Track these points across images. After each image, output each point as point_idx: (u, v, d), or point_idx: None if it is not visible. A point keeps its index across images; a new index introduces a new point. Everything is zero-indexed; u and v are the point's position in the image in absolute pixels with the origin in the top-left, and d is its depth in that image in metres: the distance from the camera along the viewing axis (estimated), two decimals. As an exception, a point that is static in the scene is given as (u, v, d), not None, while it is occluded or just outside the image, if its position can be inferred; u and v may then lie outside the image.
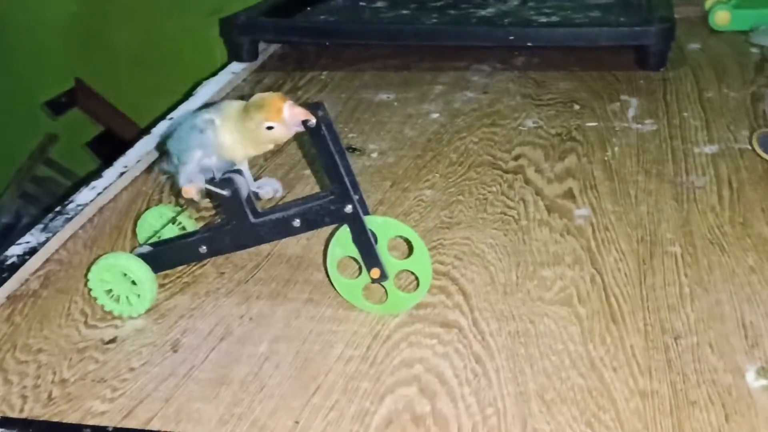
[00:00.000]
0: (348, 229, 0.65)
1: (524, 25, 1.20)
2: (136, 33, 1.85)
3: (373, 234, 0.65)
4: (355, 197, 0.64)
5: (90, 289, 0.69)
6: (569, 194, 0.84)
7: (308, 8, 1.40)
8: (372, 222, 0.65)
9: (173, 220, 0.76)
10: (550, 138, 0.97)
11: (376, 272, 0.65)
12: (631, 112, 1.02)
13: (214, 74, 1.25)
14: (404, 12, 1.35)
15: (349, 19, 1.34)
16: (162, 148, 0.72)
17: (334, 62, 1.29)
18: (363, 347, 0.63)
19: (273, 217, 0.66)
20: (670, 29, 1.12)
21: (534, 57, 1.25)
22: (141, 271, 0.68)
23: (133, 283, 0.68)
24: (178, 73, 1.65)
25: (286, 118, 0.62)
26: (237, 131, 0.64)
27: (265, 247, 0.78)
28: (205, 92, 1.17)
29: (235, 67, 1.27)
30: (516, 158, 0.93)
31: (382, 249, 0.66)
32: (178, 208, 0.77)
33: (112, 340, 0.66)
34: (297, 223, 0.66)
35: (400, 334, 0.64)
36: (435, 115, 1.06)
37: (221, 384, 0.60)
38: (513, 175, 0.89)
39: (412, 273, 0.67)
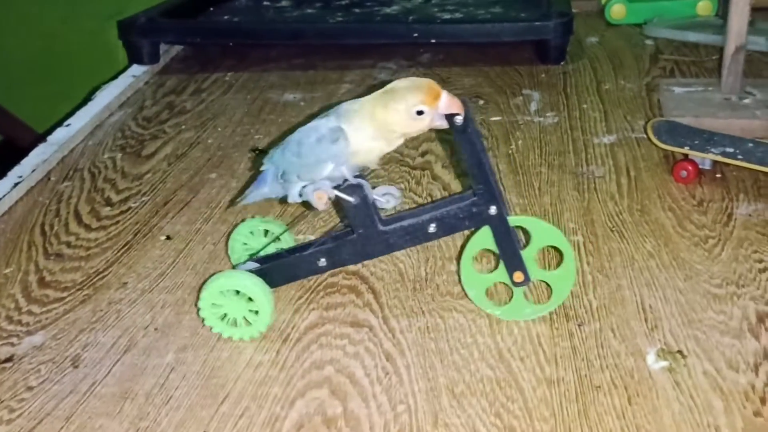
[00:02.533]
0: (468, 264, 0.62)
1: (428, 22, 1.21)
2: (32, 39, 1.78)
3: (515, 234, 0.62)
4: (500, 198, 0.61)
5: (201, 315, 0.63)
6: (475, 188, 0.85)
7: (211, 9, 1.38)
8: (526, 223, 0.62)
9: (277, 238, 0.70)
10: (455, 133, 0.98)
11: (519, 276, 0.62)
12: (533, 106, 1.04)
13: (114, 78, 1.21)
14: (309, 11, 1.34)
15: (253, 19, 1.32)
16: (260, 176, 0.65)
17: (239, 63, 1.27)
18: (273, 351, 0.62)
19: (405, 223, 0.62)
20: (568, 23, 1.15)
21: (439, 54, 1.26)
22: (259, 289, 0.62)
23: (250, 301, 0.62)
24: (79, 79, 1.59)
25: (441, 106, 0.58)
26: (371, 126, 0.58)
27: (170, 253, 0.76)
28: (104, 96, 1.13)
29: (136, 70, 1.23)
30: (423, 154, 0.93)
31: (529, 253, 0.62)
32: (271, 220, 0.71)
33: (9, 359, 0.63)
34: (433, 228, 0.62)
35: (310, 336, 0.64)
36: (342, 114, 1.06)
37: (125, 398, 0.58)
38: (420, 171, 0.89)
39: (548, 284, 0.64)
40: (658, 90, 1.04)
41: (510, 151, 0.92)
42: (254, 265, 0.65)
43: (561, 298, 0.63)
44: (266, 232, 0.71)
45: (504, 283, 0.63)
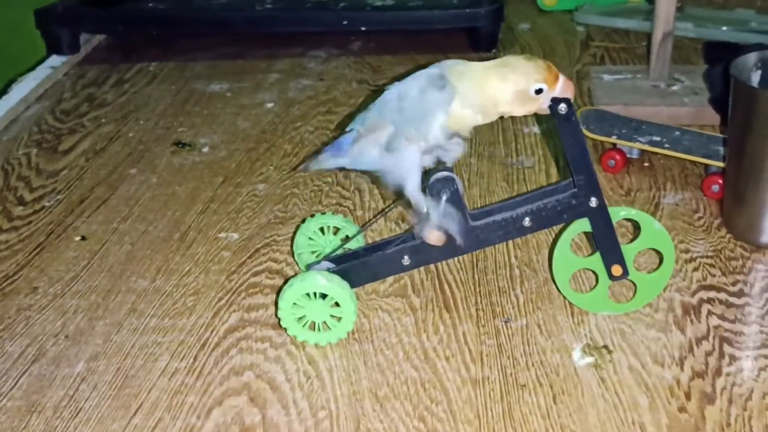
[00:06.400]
0: (566, 242, 0.59)
1: (357, 9, 1.19)
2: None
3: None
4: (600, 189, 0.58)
5: (283, 325, 0.59)
6: (404, 181, 0.83)
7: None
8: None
9: (347, 238, 0.66)
10: (385, 124, 0.96)
11: (618, 269, 0.59)
12: (464, 95, 1.03)
13: (31, 69, 1.16)
14: (238, -2, 1.30)
15: (179, 7, 1.27)
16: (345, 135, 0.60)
17: (164, 52, 1.23)
18: (190, 358, 0.59)
19: (498, 218, 0.59)
20: (499, 10, 1.14)
21: (370, 41, 1.23)
22: (343, 291, 0.58)
23: (333, 303, 0.59)
24: (2, 71, 1.53)
25: (558, 88, 0.54)
26: (476, 94, 0.55)
27: (84, 255, 0.73)
28: (20, 89, 1.08)
29: (55, 60, 1.18)
30: (352, 146, 0.91)
31: (633, 250, 0.60)
32: (341, 218, 0.67)
33: None
34: (527, 222, 0.59)
35: (230, 340, 0.61)
36: (269, 105, 1.03)
37: (32, 412, 0.55)
38: (349, 164, 0.87)
39: (654, 250, 0.62)
40: (588, 78, 1.03)
41: (440, 142, 0.91)
42: (329, 265, 0.61)
43: (644, 301, 0.61)
44: (322, 229, 0.67)
45: (592, 271, 0.61)
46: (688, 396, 0.53)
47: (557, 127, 0.56)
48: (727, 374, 0.55)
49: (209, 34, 1.27)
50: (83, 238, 0.75)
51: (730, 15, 1.22)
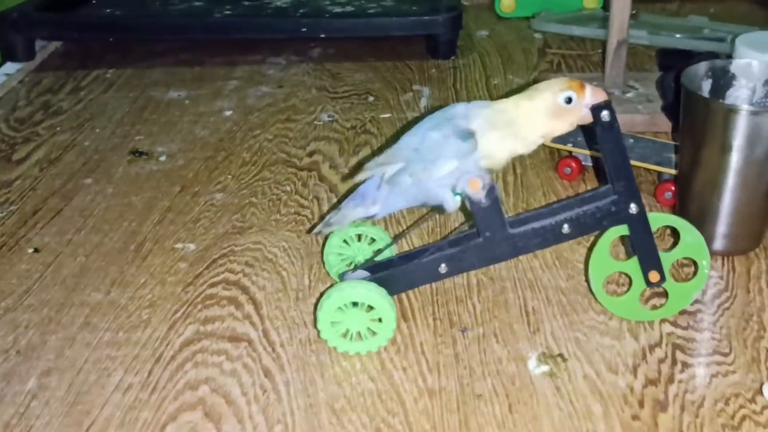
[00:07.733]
0: (605, 244, 0.60)
1: (317, 16, 1.19)
2: None
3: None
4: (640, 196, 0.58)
5: (323, 337, 0.59)
6: (363, 189, 0.83)
7: (93, 1, 1.31)
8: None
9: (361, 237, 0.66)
10: (344, 132, 0.96)
11: (655, 275, 0.60)
12: (423, 102, 1.03)
13: (-16, 77, 1.14)
14: (196, 4, 1.29)
15: (136, 13, 1.26)
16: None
17: (121, 59, 1.21)
18: (144, 372, 0.59)
19: (536, 225, 0.59)
20: (457, 18, 1.14)
21: (330, 48, 1.23)
22: (383, 299, 0.58)
23: (371, 310, 0.58)
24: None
25: (588, 95, 0.55)
26: (509, 124, 0.56)
27: (37, 268, 0.71)
28: (-28, 97, 1.06)
29: (9, 67, 1.16)
30: (311, 154, 0.91)
31: (670, 258, 0.61)
32: (361, 223, 0.66)
33: None
34: (566, 229, 0.59)
35: (185, 353, 0.61)
36: (228, 113, 1.02)
37: (-19, 431, 0.54)
38: (308, 173, 0.87)
39: (688, 259, 0.63)
40: (545, 85, 1.04)
41: (399, 150, 0.91)
42: (364, 274, 0.61)
43: (676, 309, 0.62)
44: (360, 237, 0.67)
45: (626, 275, 0.62)
46: (641, 404, 0.54)
47: (598, 134, 0.57)
48: (680, 381, 0.56)
49: (167, 40, 1.26)
50: (36, 250, 0.74)
51: (684, 22, 1.24)
